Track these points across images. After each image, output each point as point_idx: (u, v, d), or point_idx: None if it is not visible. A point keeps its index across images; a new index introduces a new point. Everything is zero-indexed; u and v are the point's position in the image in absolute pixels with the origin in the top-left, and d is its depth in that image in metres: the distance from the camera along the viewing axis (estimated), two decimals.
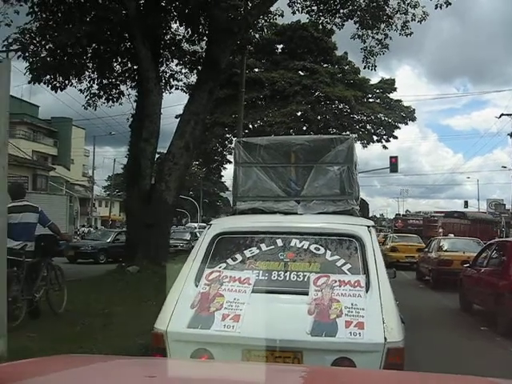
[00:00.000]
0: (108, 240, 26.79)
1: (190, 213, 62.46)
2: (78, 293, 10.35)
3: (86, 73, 17.37)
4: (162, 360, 3.20)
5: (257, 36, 20.87)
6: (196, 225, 48.48)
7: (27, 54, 15.29)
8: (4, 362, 4.26)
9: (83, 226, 48.98)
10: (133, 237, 15.37)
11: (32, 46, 15.64)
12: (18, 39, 15.41)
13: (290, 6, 19.16)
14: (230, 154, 35.38)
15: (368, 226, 4.58)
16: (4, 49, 16.84)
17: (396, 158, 32.20)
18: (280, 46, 35.96)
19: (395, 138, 37.08)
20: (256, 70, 34.44)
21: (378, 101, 36.81)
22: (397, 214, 50.24)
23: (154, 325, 3.92)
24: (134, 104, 17.15)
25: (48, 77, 15.96)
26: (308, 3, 19.39)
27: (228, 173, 56.01)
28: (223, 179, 65.68)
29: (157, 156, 17.30)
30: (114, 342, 7.05)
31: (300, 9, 19.40)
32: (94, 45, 16.27)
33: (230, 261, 4.29)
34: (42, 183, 40.58)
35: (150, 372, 1.83)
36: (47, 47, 15.82)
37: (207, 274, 4.13)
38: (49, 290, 9.12)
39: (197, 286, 4.07)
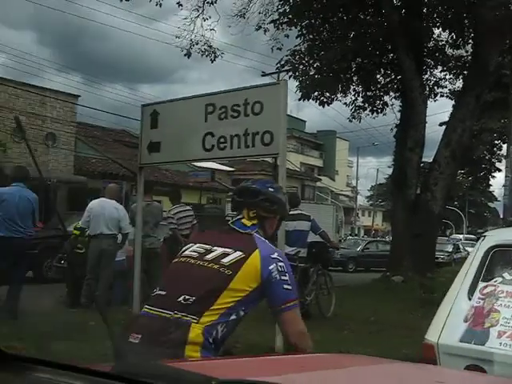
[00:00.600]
0: (358, 249, 26.94)
1: (455, 224, 59.71)
2: (345, 298, 10.71)
3: (351, 87, 18.00)
4: (443, 368, 3.20)
5: None
6: (461, 236, 45.98)
7: (297, 74, 16.48)
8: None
9: (350, 234, 50.23)
10: (398, 247, 15.35)
11: (301, 66, 16.81)
12: (289, 60, 16.73)
13: None
14: (500, 161, 33.22)
15: None
16: (276, 70, 18.57)
17: None
18: None
19: None
20: None
21: None
22: None
23: (425, 336, 3.92)
24: (398, 114, 17.24)
25: (316, 93, 16.97)
26: None
27: (497, 181, 52.46)
28: (491, 188, 61.52)
29: (421, 165, 17.04)
30: (378, 348, 7.16)
31: None
32: (357, 59, 16.79)
33: (506, 275, 4.07)
34: (310, 193, 43.07)
35: (437, 378, 1.87)
36: (315, 65, 16.83)
37: (481, 288, 3.98)
38: (318, 294, 9.63)
39: (470, 300, 3.95)
